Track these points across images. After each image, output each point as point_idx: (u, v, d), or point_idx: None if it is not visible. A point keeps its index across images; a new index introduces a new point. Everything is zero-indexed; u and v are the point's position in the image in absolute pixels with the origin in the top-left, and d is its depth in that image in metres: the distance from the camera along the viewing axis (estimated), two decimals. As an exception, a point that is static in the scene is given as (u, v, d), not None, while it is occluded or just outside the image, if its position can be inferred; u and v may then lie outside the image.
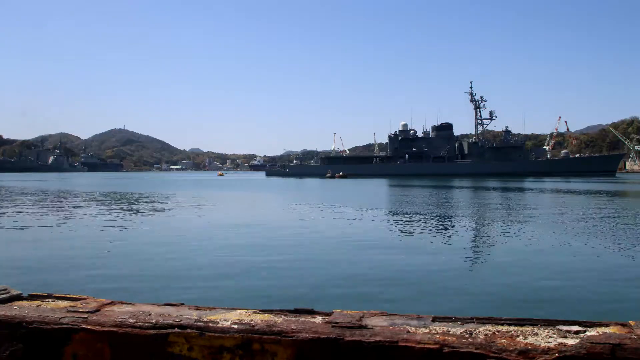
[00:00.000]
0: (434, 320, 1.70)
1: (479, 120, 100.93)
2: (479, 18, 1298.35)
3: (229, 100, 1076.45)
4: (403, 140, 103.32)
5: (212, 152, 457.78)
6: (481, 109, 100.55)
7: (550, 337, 1.51)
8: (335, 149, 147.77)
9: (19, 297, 1.99)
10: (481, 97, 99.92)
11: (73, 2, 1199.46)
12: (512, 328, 1.59)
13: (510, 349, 1.47)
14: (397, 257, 8.64)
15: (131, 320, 1.75)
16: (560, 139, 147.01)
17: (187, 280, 6.82)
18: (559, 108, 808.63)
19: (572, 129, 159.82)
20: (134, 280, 6.84)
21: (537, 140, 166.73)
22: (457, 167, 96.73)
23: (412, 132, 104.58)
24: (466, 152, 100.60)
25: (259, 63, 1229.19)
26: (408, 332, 1.59)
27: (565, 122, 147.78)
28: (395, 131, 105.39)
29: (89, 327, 1.75)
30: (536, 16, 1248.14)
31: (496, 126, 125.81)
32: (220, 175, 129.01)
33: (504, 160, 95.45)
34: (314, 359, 1.60)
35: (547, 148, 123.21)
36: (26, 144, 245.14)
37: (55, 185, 50.04)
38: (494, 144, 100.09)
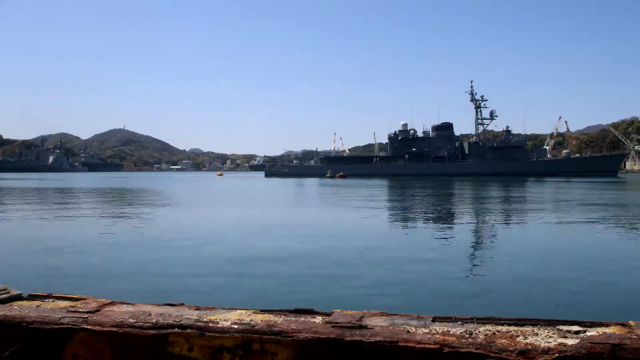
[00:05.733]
0: (434, 320, 1.70)
1: (479, 120, 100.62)
2: (479, 17, 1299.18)
3: (229, 100, 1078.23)
4: (403, 140, 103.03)
5: (212, 152, 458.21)
6: (482, 109, 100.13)
7: (550, 337, 1.51)
8: (335, 149, 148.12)
9: (19, 297, 1.99)
10: (482, 96, 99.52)
11: (73, 1, 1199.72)
12: (512, 328, 1.59)
13: (510, 349, 1.47)
14: (397, 257, 8.63)
15: (131, 320, 1.75)
16: (561, 139, 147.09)
17: (187, 280, 6.82)
18: (559, 108, 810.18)
19: (572, 129, 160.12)
20: (134, 280, 6.84)
21: (537, 140, 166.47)
22: (458, 167, 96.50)
23: (412, 132, 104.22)
24: (467, 152, 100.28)
25: (259, 63, 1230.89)
26: (408, 332, 1.59)
27: (565, 122, 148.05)
28: (395, 131, 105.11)
29: (89, 327, 1.75)
30: (536, 16, 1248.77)
31: (497, 126, 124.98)
32: (220, 175, 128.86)
33: (504, 161, 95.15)
34: (314, 359, 1.60)
35: (547, 148, 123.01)
36: (26, 144, 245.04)
37: (55, 185, 50.04)
38: (495, 144, 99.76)
